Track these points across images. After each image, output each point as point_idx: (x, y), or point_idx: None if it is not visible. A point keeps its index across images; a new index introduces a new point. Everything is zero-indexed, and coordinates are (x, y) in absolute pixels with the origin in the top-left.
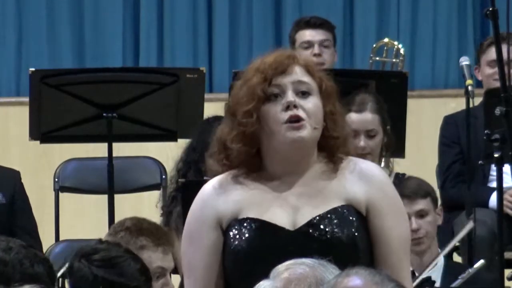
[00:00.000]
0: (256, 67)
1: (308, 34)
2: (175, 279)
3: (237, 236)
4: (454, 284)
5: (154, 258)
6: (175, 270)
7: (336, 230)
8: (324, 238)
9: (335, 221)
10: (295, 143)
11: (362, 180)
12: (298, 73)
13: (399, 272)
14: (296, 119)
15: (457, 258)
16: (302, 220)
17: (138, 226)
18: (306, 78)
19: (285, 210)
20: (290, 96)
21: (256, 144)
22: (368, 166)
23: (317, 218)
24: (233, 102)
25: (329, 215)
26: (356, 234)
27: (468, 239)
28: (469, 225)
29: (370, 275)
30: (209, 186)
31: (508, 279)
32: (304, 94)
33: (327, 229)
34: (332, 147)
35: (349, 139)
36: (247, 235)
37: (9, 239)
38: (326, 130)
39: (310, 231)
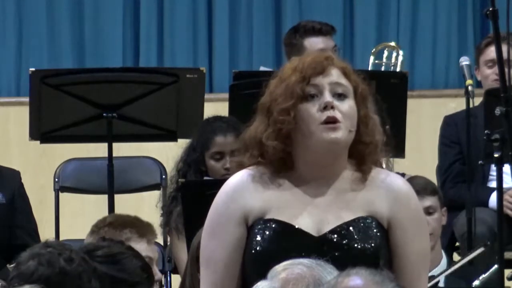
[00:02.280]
0: (294, 67)
1: (321, 42)
2: (175, 279)
3: (260, 236)
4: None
5: (139, 248)
6: (175, 270)
7: (360, 239)
8: (347, 247)
9: (359, 231)
10: (331, 144)
11: (387, 193)
12: (335, 75)
13: (415, 286)
14: (332, 120)
15: (456, 257)
16: (327, 227)
17: (120, 220)
18: (343, 81)
19: (312, 216)
20: (328, 96)
21: (292, 142)
22: (394, 180)
23: (342, 226)
24: (269, 99)
25: (353, 225)
26: (378, 246)
27: (468, 238)
28: (480, 250)
29: (371, 275)
30: (237, 180)
31: (508, 279)
32: (341, 96)
33: (351, 238)
34: (362, 153)
35: (380, 146)
36: (270, 236)
37: (72, 249)
38: (358, 135)
39: (334, 239)
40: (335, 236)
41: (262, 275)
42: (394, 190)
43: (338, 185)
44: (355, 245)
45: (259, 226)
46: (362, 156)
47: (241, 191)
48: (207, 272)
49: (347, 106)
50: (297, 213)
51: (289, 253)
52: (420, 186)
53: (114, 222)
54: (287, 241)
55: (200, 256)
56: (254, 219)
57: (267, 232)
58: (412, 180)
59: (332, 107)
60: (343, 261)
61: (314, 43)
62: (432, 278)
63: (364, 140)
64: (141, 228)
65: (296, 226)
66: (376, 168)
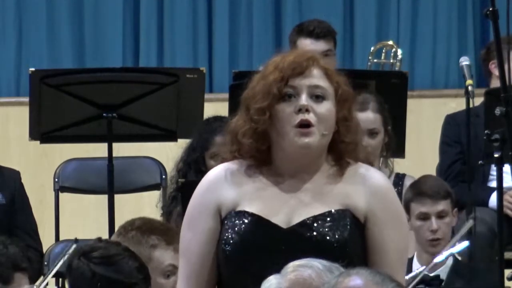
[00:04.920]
0: (275, 65)
1: (309, 44)
2: None
3: (231, 228)
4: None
5: (166, 256)
6: None
7: (327, 232)
8: (314, 239)
9: (328, 223)
10: (302, 149)
11: (365, 188)
12: (316, 77)
13: None
14: (306, 124)
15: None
16: (297, 219)
17: (149, 225)
18: (322, 82)
19: (284, 208)
20: (304, 99)
21: (267, 141)
22: (373, 175)
23: (311, 219)
24: (249, 95)
25: (323, 217)
26: (347, 238)
27: (467, 237)
28: (469, 223)
29: (371, 275)
30: (214, 173)
31: (508, 279)
32: (318, 98)
33: (319, 230)
34: (341, 151)
35: (360, 145)
36: (240, 228)
37: None
38: (338, 135)
39: (302, 231)
40: (303, 228)
41: (233, 268)
42: (372, 184)
43: (314, 179)
44: (322, 237)
45: (230, 218)
46: (340, 153)
47: (217, 183)
48: (183, 263)
49: (324, 109)
50: (269, 206)
51: (257, 245)
52: (433, 190)
53: (142, 227)
54: (257, 233)
55: (179, 248)
56: (227, 211)
57: (237, 224)
58: (424, 182)
59: (307, 110)
60: (310, 253)
61: (303, 45)
62: (437, 277)
63: (344, 139)
64: (169, 236)
65: (266, 218)
66: (356, 163)
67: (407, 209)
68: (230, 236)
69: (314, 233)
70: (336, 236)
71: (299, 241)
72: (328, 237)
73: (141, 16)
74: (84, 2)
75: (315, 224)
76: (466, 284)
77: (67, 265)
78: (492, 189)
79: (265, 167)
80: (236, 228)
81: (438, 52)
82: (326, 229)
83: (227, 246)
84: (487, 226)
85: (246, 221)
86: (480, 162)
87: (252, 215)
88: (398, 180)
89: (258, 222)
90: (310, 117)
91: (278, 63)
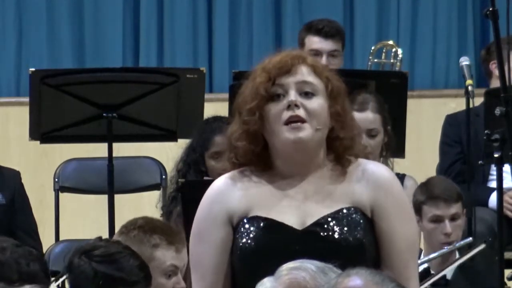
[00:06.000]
0: (262, 67)
1: (317, 42)
2: None
3: (246, 234)
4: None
5: (167, 256)
6: None
7: (344, 230)
8: (332, 238)
9: (343, 222)
10: (295, 144)
11: (369, 182)
12: (304, 73)
13: (403, 273)
14: (296, 120)
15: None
16: (310, 220)
17: (151, 225)
18: (311, 78)
19: (294, 210)
20: (292, 95)
21: (260, 142)
22: (376, 168)
23: (325, 218)
24: (239, 100)
25: (336, 216)
26: (363, 236)
27: (467, 236)
28: (481, 246)
29: (371, 275)
30: (219, 183)
31: (508, 279)
32: (308, 94)
33: (335, 229)
34: (338, 148)
35: (358, 140)
36: (255, 233)
37: (1, 238)
38: (332, 131)
39: (318, 230)
40: (318, 228)
41: (250, 273)
42: (375, 178)
43: (318, 179)
44: (339, 236)
45: (244, 225)
46: (339, 150)
47: (224, 193)
48: (197, 277)
49: (315, 104)
50: (280, 209)
51: (274, 248)
52: (446, 193)
53: (145, 226)
54: (272, 236)
55: (189, 262)
56: (238, 218)
57: (253, 230)
58: (436, 185)
59: (297, 105)
60: (327, 253)
61: (311, 42)
62: (443, 277)
63: (339, 135)
64: (171, 235)
65: (280, 221)
66: (356, 160)
67: (418, 211)
68: (245, 242)
69: (330, 233)
70: (353, 234)
71: (316, 241)
72: (345, 236)
73: (141, 16)
74: (84, 2)
75: (330, 224)
76: (470, 285)
77: (68, 264)
78: (492, 189)
79: (267, 172)
80: (251, 234)
81: (438, 52)
82: (341, 228)
83: (243, 252)
84: (487, 226)
85: (260, 226)
86: (480, 162)
87: (265, 219)
88: (398, 180)
89: (273, 226)
90: (300, 112)
91: (264, 65)
